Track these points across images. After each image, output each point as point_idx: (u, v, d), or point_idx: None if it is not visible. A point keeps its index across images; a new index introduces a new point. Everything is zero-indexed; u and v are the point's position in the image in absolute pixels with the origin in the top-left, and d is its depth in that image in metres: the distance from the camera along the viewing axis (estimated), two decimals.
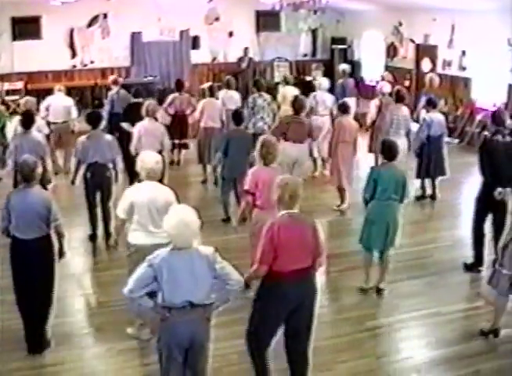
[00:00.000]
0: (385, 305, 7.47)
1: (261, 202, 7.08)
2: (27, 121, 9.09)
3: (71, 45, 17.71)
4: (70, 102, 12.96)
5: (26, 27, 16.84)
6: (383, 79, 15.02)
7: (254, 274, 5.41)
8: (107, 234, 8.96)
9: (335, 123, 10.56)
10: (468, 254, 8.13)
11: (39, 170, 6.39)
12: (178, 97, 13.00)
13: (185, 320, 4.75)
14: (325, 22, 20.19)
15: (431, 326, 6.99)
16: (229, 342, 5.53)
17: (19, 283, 6.28)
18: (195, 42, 18.99)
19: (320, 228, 5.49)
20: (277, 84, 15.18)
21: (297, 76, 19.08)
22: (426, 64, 16.88)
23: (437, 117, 10.87)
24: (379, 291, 7.68)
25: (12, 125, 10.17)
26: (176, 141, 12.94)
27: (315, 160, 11.64)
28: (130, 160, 9.26)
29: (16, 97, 15.57)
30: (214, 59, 19.40)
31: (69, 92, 16.20)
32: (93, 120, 9.19)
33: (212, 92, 12.54)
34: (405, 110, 11.04)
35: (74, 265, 8.61)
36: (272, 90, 15.21)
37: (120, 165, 9.43)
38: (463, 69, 15.64)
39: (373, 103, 12.86)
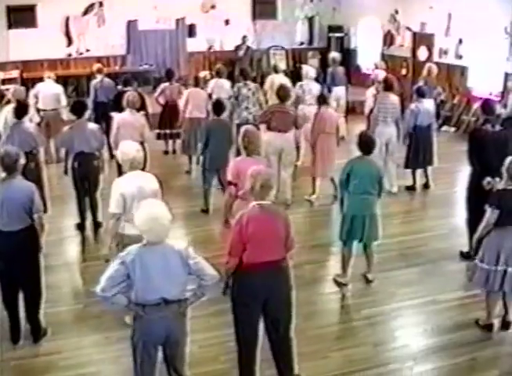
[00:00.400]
0: (381, 293, 7.48)
1: (243, 193, 7.03)
2: (20, 111, 8.97)
3: (67, 34, 17.64)
4: (59, 89, 12.88)
5: (21, 16, 16.74)
6: (376, 67, 14.95)
7: (226, 266, 5.38)
8: (95, 224, 9.00)
9: (315, 114, 10.44)
10: (464, 243, 8.14)
11: (21, 161, 6.32)
12: (168, 87, 12.90)
13: (160, 317, 4.69)
14: (321, 10, 20.14)
15: (427, 314, 7.01)
16: (226, 331, 5.55)
17: (4, 274, 6.21)
18: (191, 30, 18.94)
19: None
20: (276, 72, 15.04)
21: (294, 64, 19.06)
22: (422, 52, 16.87)
23: (424, 106, 10.74)
24: (368, 281, 7.69)
25: (3, 115, 10.01)
26: (167, 131, 12.92)
27: (298, 148, 11.45)
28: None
29: (12, 86, 15.51)
30: (211, 47, 19.35)
31: (65, 80, 16.25)
32: (77, 109, 9.11)
33: (197, 82, 12.46)
34: (393, 99, 10.84)
35: (67, 254, 8.64)
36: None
37: (106, 155, 9.33)
38: (460, 57, 15.64)
39: (370, 92, 12.85)
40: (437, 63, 14.60)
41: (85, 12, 17.63)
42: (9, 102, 10.47)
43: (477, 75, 15.15)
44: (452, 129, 15.44)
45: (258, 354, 5.52)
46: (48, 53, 17.10)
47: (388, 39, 18.26)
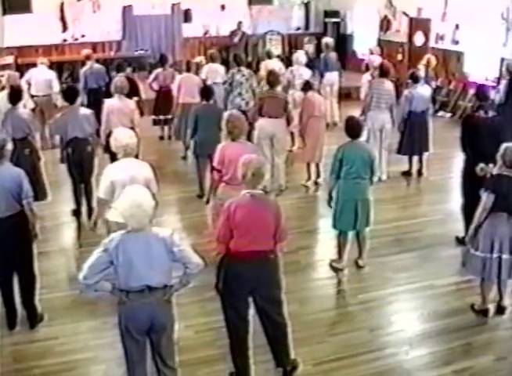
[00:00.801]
0: (378, 278, 7.49)
1: (228, 178, 7.01)
2: (15, 96, 8.88)
3: (62, 19, 17.54)
4: (51, 75, 12.82)
5: (16, 1, 16.61)
6: (371, 53, 14.89)
7: (215, 252, 5.39)
8: (90, 209, 8.92)
9: (303, 99, 10.42)
10: (460, 228, 8.14)
11: (9, 147, 6.27)
12: (161, 72, 12.84)
13: (143, 303, 4.68)
14: None
15: (423, 299, 7.03)
16: (222, 316, 5.54)
17: None
18: (186, 16, 18.85)
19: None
20: (269, 57, 15.02)
21: (290, 49, 19.00)
22: (419, 38, 16.81)
23: (419, 92, 10.69)
24: (359, 267, 7.70)
25: None
26: (161, 117, 12.90)
27: (292, 134, 11.44)
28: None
29: (6, 72, 15.42)
30: (206, 32, 19.27)
31: (60, 66, 16.19)
32: (69, 95, 9.04)
33: (189, 67, 12.44)
34: (388, 85, 10.74)
35: (63, 239, 8.65)
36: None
37: (98, 139, 9.25)
38: (456, 43, 15.60)
39: (365, 78, 12.82)
40: (433, 49, 14.61)
41: None
42: (3, 88, 10.40)
43: (474, 61, 15.11)
44: (448, 115, 15.44)
45: (250, 340, 5.52)
46: (43, 39, 17.02)
47: (385, 24, 18.20)
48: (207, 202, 7.60)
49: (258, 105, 10.06)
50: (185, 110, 11.35)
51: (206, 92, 9.96)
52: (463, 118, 8.14)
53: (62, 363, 5.90)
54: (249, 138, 9.13)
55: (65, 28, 17.64)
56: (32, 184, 6.39)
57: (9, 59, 16.37)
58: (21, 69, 14.30)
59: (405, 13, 17.25)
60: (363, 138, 8.30)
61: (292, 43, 19.79)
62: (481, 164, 7.43)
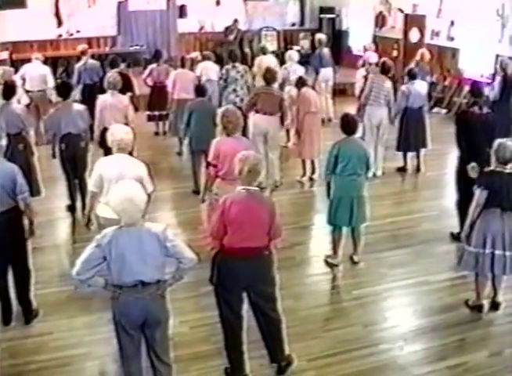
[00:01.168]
0: (372, 274, 7.50)
1: (223, 173, 7.02)
2: (9, 91, 8.80)
3: (57, 14, 17.49)
4: (46, 70, 12.78)
5: None
6: (365, 50, 14.88)
7: (209, 247, 5.39)
8: (84, 205, 8.88)
9: (297, 96, 10.42)
10: (455, 224, 8.16)
11: (2, 142, 6.27)
12: (156, 68, 12.83)
13: (137, 298, 4.68)
14: None
15: (418, 295, 7.05)
16: (217, 312, 5.54)
17: None
18: (182, 11, 18.81)
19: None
20: (264, 53, 14.99)
21: (285, 45, 18.99)
22: (414, 34, 16.82)
23: (416, 88, 10.70)
24: (354, 262, 7.71)
25: None
26: (156, 113, 12.88)
27: (287, 130, 11.45)
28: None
29: (1, 68, 15.37)
30: (202, 28, 19.25)
31: (55, 61, 16.15)
32: (63, 91, 9.03)
33: (183, 63, 12.41)
34: (387, 83, 10.75)
35: (57, 235, 8.64)
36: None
37: (90, 135, 9.23)
38: (451, 39, 15.60)
39: (359, 74, 12.83)
40: (428, 45, 14.62)
41: None
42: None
43: (469, 57, 15.12)
44: (444, 111, 15.45)
45: (244, 336, 5.52)
46: (38, 34, 16.97)
47: (380, 21, 18.20)
48: (203, 201, 7.55)
49: (253, 100, 10.05)
50: (181, 105, 11.28)
51: (200, 89, 10.03)
52: (458, 114, 8.14)
53: (57, 358, 5.90)
54: (244, 133, 9.12)
55: (60, 23, 17.59)
56: (27, 180, 6.37)
57: (4, 55, 16.32)
58: (16, 64, 14.25)
59: (400, 10, 17.26)
60: (358, 134, 8.28)
61: (287, 39, 19.79)
62: (473, 164, 7.42)
